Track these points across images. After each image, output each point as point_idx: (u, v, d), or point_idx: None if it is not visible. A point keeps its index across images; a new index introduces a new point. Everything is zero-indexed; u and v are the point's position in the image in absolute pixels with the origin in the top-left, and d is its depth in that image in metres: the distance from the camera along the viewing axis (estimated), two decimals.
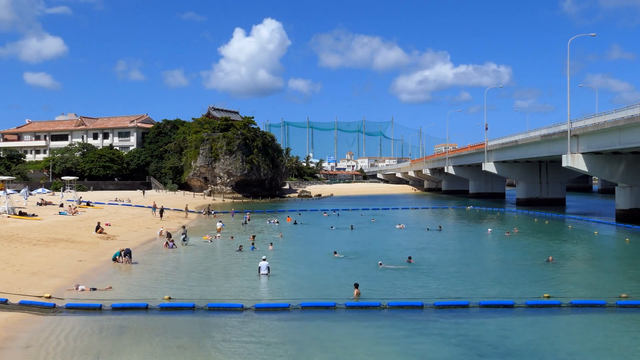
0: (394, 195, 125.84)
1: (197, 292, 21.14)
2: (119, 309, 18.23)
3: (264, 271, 24.47)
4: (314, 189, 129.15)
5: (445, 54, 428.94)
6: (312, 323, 17.38)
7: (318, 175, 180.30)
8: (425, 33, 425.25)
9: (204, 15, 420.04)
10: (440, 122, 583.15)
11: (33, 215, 41.17)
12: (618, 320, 17.91)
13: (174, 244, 33.39)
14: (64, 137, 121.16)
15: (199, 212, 60.68)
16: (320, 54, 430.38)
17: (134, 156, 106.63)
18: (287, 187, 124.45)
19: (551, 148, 63.57)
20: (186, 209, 58.50)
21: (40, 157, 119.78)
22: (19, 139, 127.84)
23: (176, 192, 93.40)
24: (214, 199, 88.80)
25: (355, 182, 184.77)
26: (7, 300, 17.98)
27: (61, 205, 50.94)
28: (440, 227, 47.14)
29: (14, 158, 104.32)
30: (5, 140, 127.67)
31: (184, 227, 40.49)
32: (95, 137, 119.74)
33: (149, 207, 55.51)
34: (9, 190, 50.31)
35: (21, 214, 40.95)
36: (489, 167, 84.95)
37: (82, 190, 79.87)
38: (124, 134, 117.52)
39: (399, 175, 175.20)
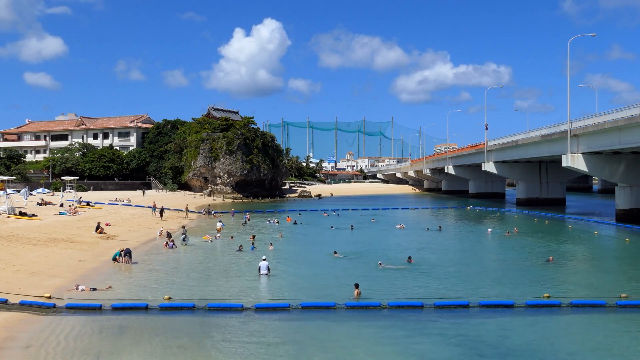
0: (394, 195, 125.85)
1: (197, 292, 21.14)
2: (119, 309, 18.23)
3: (264, 271, 24.47)
4: (314, 189, 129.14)
5: (445, 54, 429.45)
6: (312, 323, 17.38)
7: (318, 175, 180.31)
8: (425, 33, 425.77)
9: (204, 15, 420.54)
10: (440, 122, 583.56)
11: (33, 215, 41.16)
12: (618, 320, 17.91)
13: (174, 244, 33.39)
14: (64, 137, 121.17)
15: (199, 212, 60.68)
16: (320, 54, 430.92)
17: (134, 156, 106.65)
18: (287, 187, 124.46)
19: (551, 148, 63.58)
20: (186, 209, 58.50)
21: (40, 157, 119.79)
22: (19, 139, 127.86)
23: (176, 192, 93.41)
24: (214, 199, 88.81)
25: (355, 182, 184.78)
26: (7, 300, 17.97)
27: (61, 205, 50.95)
28: (440, 227, 47.15)
29: (14, 158, 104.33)
30: (5, 140, 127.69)
31: (183, 227, 40.50)
32: (95, 137, 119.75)
33: (149, 207, 55.50)
34: (9, 190, 50.31)
35: (21, 214, 40.95)
36: (489, 167, 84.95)
37: (82, 190, 79.88)
38: (124, 134, 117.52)
39: (399, 175, 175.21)
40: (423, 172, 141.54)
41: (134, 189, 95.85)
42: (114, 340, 15.31)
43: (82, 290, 20.51)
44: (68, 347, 14.50)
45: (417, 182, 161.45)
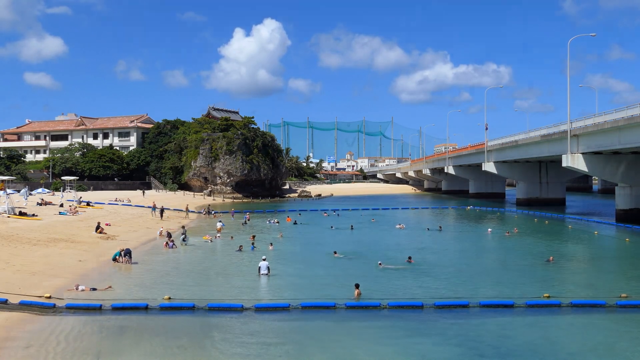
0: (394, 195, 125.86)
1: (197, 292, 21.14)
2: (119, 309, 18.23)
3: (264, 271, 24.47)
4: (314, 189, 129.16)
5: (445, 54, 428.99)
6: (312, 323, 17.38)
7: (318, 175, 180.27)
8: (425, 33, 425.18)
9: (204, 15, 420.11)
10: (440, 122, 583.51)
11: (33, 215, 41.17)
12: (618, 320, 17.91)
13: (173, 244, 33.40)
14: (64, 137, 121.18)
15: (199, 212, 60.69)
16: (320, 54, 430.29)
17: (134, 156, 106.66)
18: (287, 187, 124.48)
19: (551, 148, 63.59)
20: (186, 209, 58.50)
21: (40, 157, 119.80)
22: (19, 139, 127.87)
23: (176, 192, 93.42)
24: (214, 199, 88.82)
25: (355, 182, 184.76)
26: (7, 300, 17.97)
27: (61, 205, 50.95)
28: (440, 227, 47.15)
29: (14, 158, 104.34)
30: (5, 140, 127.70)
31: (183, 227, 40.52)
32: (95, 137, 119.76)
33: (148, 207, 55.48)
34: (9, 190, 50.34)
35: (21, 214, 40.96)
36: (489, 167, 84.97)
37: (82, 190, 79.89)
38: (124, 134, 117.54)
39: (399, 175, 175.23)
40: (423, 172, 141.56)
41: (134, 189, 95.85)
42: (114, 340, 15.31)
43: (82, 290, 20.51)
44: (68, 347, 14.49)
45: (417, 182, 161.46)
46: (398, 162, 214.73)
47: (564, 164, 57.07)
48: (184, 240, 34.97)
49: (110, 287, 21.38)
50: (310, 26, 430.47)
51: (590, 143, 53.29)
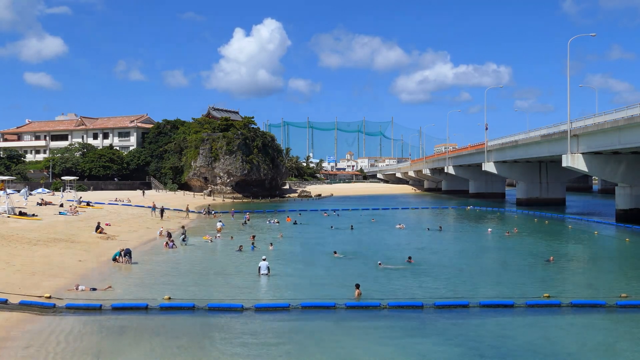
0: (394, 195, 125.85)
1: (197, 292, 21.14)
2: (119, 309, 18.23)
3: (264, 271, 24.48)
4: (314, 189, 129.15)
5: (445, 54, 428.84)
6: (312, 323, 17.38)
7: (318, 175, 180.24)
8: (425, 33, 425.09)
9: (204, 15, 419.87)
10: (440, 122, 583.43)
11: (33, 215, 41.17)
12: (618, 320, 17.93)
13: (174, 244, 33.40)
14: (64, 137, 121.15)
15: (199, 212, 60.69)
16: (320, 54, 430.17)
17: (134, 156, 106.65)
18: (287, 187, 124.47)
19: (551, 148, 63.58)
20: (187, 209, 58.50)
21: (40, 157, 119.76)
22: (19, 139, 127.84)
23: (176, 192, 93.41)
24: (214, 199, 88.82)
25: (355, 182, 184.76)
26: (7, 300, 17.97)
27: (61, 205, 50.96)
28: (440, 227, 47.16)
29: (14, 158, 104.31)
30: (5, 140, 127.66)
31: (183, 227, 40.52)
32: (95, 137, 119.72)
33: (148, 207, 55.48)
34: (9, 190, 50.34)
35: (21, 214, 40.96)
36: (489, 167, 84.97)
37: (82, 190, 79.88)
38: (124, 134, 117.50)
39: (399, 175, 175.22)
40: (423, 172, 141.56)
41: (134, 189, 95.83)
42: (114, 340, 15.31)
43: (82, 290, 20.51)
44: (68, 347, 14.49)
45: (417, 182, 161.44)
46: (398, 162, 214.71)
47: (564, 164, 57.07)
48: (183, 240, 34.97)
49: (110, 287, 21.38)
50: (310, 26, 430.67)
51: (590, 143, 53.29)
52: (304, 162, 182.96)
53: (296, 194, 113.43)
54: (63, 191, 66.87)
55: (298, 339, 15.78)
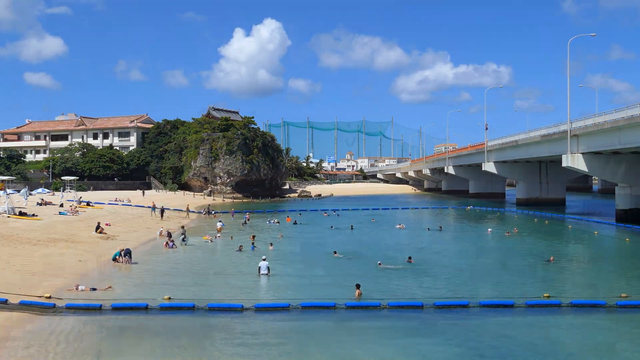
0: (394, 195, 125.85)
1: (197, 292, 21.13)
2: (119, 309, 18.22)
3: (264, 271, 24.47)
4: (314, 189, 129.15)
5: (445, 54, 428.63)
6: (312, 323, 17.38)
7: (318, 175, 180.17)
8: (425, 33, 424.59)
9: (204, 15, 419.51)
10: (440, 122, 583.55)
11: (33, 215, 41.17)
12: (618, 320, 17.93)
13: (173, 244, 33.39)
14: (64, 137, 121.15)
15: (199, 212, 60.70)
16: (320, 54, 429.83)
17: (134, 156, 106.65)
18: (287, 187, 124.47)
19: (551, 148, 63.59)
20: (187, 209, 58.51)
21: (40, 157, 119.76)
22: (19, 139, 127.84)
23: (176, 192, 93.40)
24: (214, 199, 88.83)
25: (355, 182, 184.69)
26: (7, 300, 17.96)
27: (61, 205, 50.96)
28: (440, 227, 47.16)
29: (14, 158, 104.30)
30: (5, 140, 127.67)
31: (182, 227, 40.52)
32: (95, 137, 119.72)
33: (148, 207, 55.48)
34: (9, 190, 50.36)
35: (21, 214, 40.96)
36: (489, 167, 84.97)
37: (82, 190, 79.88)
38: (124, 134, 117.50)
39: (399, 175, 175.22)
40: (423, 172, 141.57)
41: (134, 189, 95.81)
42: (114, 340, 15.31)
43: (82, 290, 20.51)
44: (68, 347, 14.49)
45: (417, 182, 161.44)
46: (398, 162, 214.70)
47: (564, 164, 57.08)
48: (183, 240, 34.97)
49: (110, 287, 21.38)
50: (310, 26, 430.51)
51: (590, 143, 53.30)
52: (304, 162, 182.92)
53: (296, 194, 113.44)
54: (63, 191, 66.88)
55: (298, 339, 15.78)
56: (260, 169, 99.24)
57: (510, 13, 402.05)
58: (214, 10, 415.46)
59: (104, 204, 60.10)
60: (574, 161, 55.59)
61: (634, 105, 45.51)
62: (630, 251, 34.97)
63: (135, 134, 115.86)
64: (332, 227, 47.56)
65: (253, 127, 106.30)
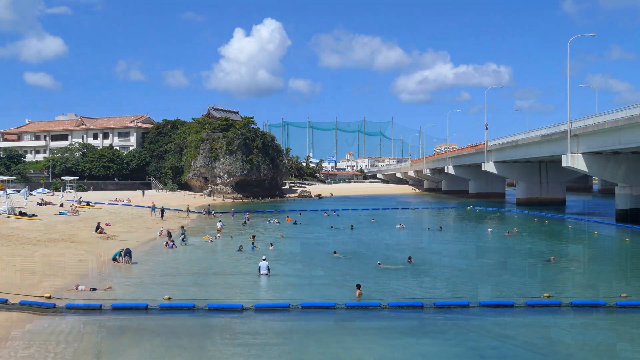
0: (394, 195, 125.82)
1: (197, 292, 21.14)
2: (119, 309, 18.22)
3: (264, 271, 24.47)
4: (314, 189, 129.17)
5: (445, 54, 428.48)
6: (312, 323, 17.39)
7: (318, 175, 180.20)
8: (425, 33, 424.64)
9: (204, 15, 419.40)
10: (440, 122, 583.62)
11: (33, 215, 41.18)
12: (618, 320, 17.92)
13: (174, 244, 33.39)
14: (64, 137, 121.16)
15: (199, 212, 60.70)
16: (320, 54, 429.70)
17: (134, 156, 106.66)
18: (287, 187, 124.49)
19: (551, 148, 63.57)
20: (187, 209, 58.50)
21: (40, 157, 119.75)
22: (19, 139, 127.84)
23: (176, 192, 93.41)
24: (214, 199, 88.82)
25: (355, 182, 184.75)
26: (7, 300, 17.97)
27: (61, 205, 50.98)
28: (440, 227, 47.16)
29: (14, 158, 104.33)
30: (5, 140, 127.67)
31: (182, 227, 40.51)
32: (95, 137, 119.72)
33: (148, 207, 55.49)
34: (9, 190, 50.37)
35: (21, 214, 40.97)
36: (489, 167, 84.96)
37: (82, 190, 79.90)
38: (124, 134, 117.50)
39: (399, 175, 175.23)
40: (423, 172, 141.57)
41: (134, 189, 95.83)
42: (114, 340, 15.31)
43: (82, 290, 20.51)
44: (68, 347, 14.49)
45: (417, 182, 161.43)
46: (398, 162, 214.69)
47: (564, 164, 57.07)
48: (183, 240, 34.97)
49: (110, 287, 21.38)
50: (310, 26, 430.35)
51: (590, 143, 53.29)
52: (304, 162, 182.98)
53: (296, 194, 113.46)
54: (63, 191, 66.93)
55: (298, 339, 15.78)
56: (260, 169, 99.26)
57: (510, 13, 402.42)
58: (213, 10, 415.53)
59: (104, 204, 60.11)
60: (574, 161, 55.59)
61: (634, 105, 45.50)
62: (630, 251, 34.96)
63: (135, 134, 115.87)
64: (332, 227, 47.56)
65: (253, 127, 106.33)
